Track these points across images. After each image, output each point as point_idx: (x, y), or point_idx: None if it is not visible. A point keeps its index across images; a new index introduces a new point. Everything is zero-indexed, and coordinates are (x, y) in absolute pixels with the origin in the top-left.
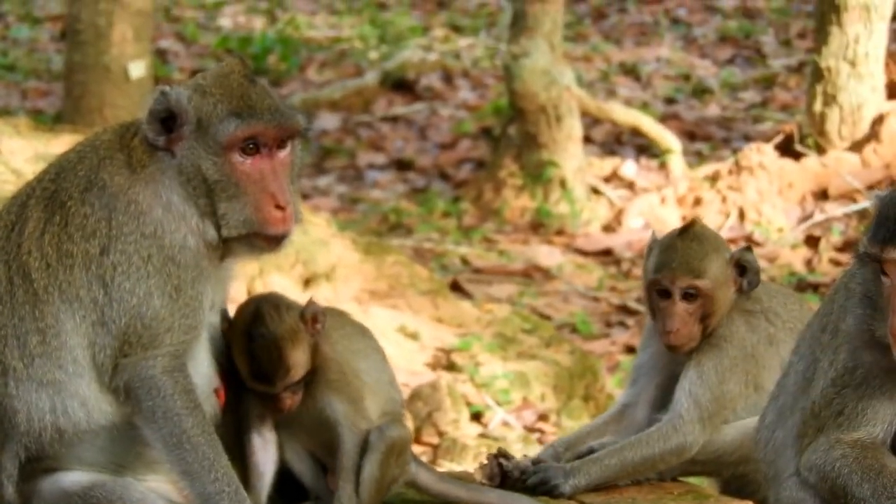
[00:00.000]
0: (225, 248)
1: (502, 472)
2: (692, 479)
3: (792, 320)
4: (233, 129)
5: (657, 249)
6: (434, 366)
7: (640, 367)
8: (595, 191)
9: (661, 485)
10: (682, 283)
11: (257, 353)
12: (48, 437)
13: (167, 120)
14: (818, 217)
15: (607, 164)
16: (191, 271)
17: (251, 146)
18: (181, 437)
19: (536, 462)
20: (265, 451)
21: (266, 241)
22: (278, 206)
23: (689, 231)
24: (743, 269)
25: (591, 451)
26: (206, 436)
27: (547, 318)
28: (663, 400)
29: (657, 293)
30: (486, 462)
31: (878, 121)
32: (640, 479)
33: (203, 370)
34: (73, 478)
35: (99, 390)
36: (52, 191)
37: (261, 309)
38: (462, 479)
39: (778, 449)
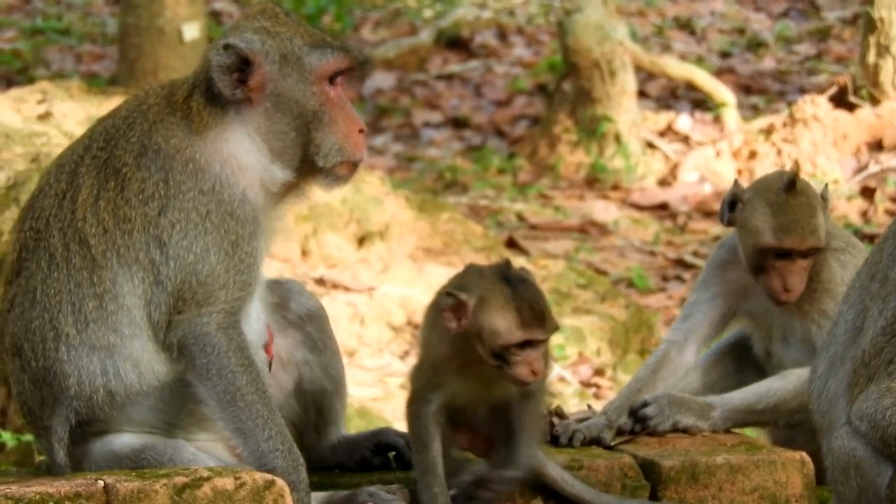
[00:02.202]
0: (294, 186)
1: (552, 432)
2: (745, 431)
3: (862, 248)
4: (330, 58)
5: (765, 210)
6: None
7: (695, 304)
8: (650, 145)
9: (713, 437)
10: (807, 246)
11: (526, 296)
12: (99, 400)
13: (237, 71)
14: (873, 168)
15: (662, 119)
16: (249, 226)
17: (335, 77)
18: (235, 394)
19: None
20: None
21: (349, 168)
22: (361, 130)
23: (796, 187)
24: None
25: (645, 405)
26: (260, 393)
27: (603, 273)
28: (713, 338)
29: (774, 255)
30: None
31: None
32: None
33: (254, 325)
34: (124, 440)
35: (154, 350)
36: (103, 159)
37: (498, 263)
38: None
39: (830, 399)
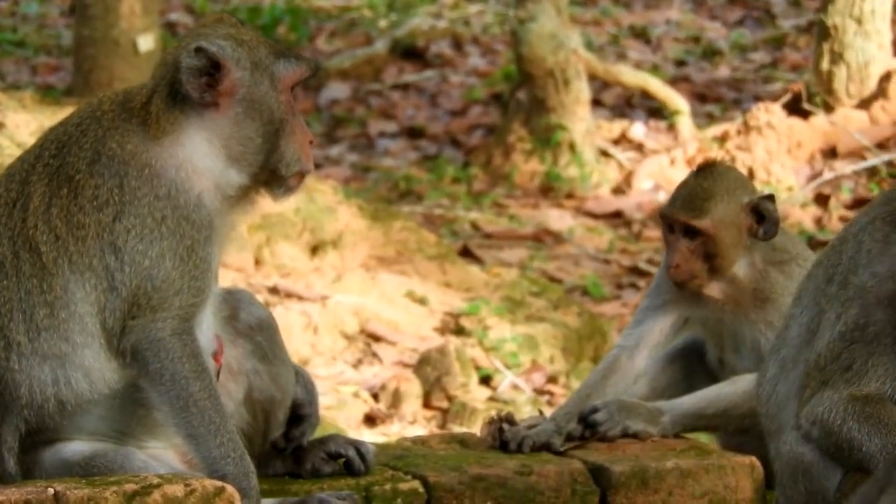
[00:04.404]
0: (245, 196)
1: (501, 438)
2: (693, 435)
3: (814, 259)
4: (294, 69)
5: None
6: (442, 330)
7: (646, 310)
8: (604, 153)
9: (664, 441)
10: (681, 220)
11: None
12: (49, 409)
13: (206, 75)
14: (827, 175)
15: (616, 127)
16: (204, 230)
17: (295, 86)
18: (188, 400)
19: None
20: None
21: (300, 179)
22: (311, 142)
23: (706, 170)
24: (761, 216)
25: (595, 411)
26: (213, 400)
27: (558, 281)
28: (664, 345)
29: (666, 226)
30: (492, 420)
31: (886, 78)
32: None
33: (205, 334)
34: (74, 448)
35: (105, 358)
36: (56, 167)
37: None
38: (465, 439)
39: (780, 403)
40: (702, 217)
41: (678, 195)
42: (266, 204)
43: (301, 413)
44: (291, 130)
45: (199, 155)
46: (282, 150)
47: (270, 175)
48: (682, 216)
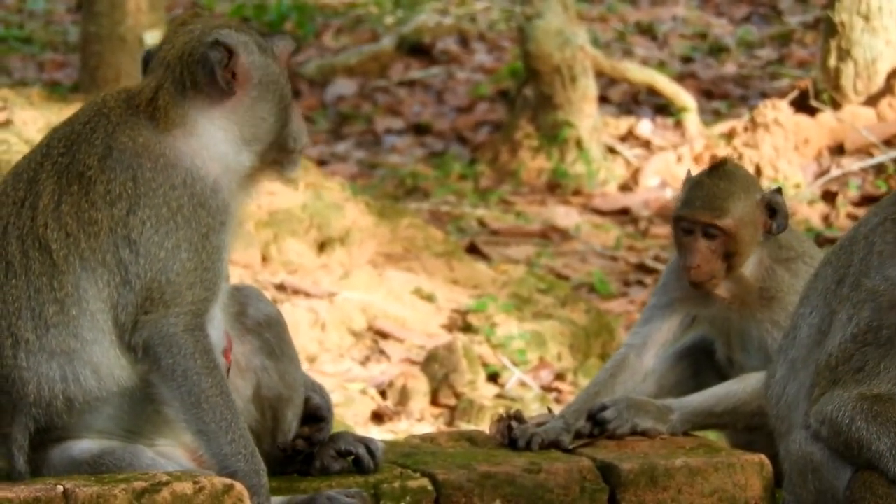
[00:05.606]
0: (253, 178)
1: (510, 435)
2: (702, 433)
3: (821, 257)
4: (285, 44)
5: (686, 185)
6: (450, 327)
7: (654, 309)
8: (611, 150)
9: (672, 439)
10: (702, 221)
11: None
12: (57, 407)
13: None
14: (835, 172)
15: (623, 124)
16: (220, 216)
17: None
18: (199, 396)
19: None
20: None
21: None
22: None
23: (719, 169)
24: (773, 211)
25: (603, 409)
26: (224, 396)
27: (565, 278)
28: (672, 343)
29: (681, 229)
30: (500, 418)
31: (893, 74)
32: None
33: (216, 328)
34: (83, 446)
35: (115, 355)
36: (65, 164)
37: None
38: (473, 436)
39: (790, 403)
40: (723, 217)
41: (695, 196)
42: (265, 193)
43: (320, 415)
44: (294, 105)
45: (214, 142)
46: (291, 125)
47: (279, 152)
48: (703, 217)
